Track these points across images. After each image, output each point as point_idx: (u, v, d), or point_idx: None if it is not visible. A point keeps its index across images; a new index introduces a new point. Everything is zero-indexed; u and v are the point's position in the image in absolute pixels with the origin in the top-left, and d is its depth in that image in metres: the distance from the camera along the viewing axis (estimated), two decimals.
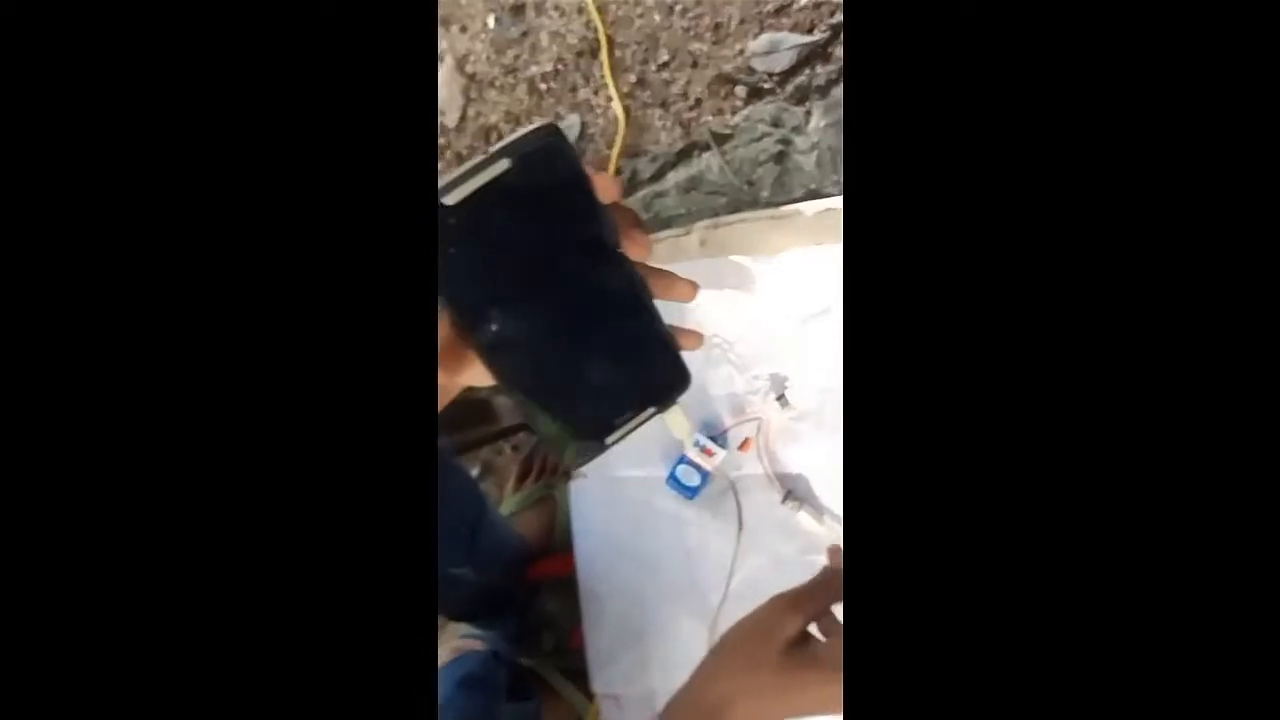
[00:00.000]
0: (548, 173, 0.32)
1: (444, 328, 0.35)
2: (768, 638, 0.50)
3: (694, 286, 0.39)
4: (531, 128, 0.32)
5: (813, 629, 0.52)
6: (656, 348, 0.39)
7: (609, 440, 0.39)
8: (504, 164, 0.31)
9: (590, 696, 0.89)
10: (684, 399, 0.41)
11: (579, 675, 0.91)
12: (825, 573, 0.53)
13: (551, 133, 0.32)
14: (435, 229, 0.31)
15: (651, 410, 0.40)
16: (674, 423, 0.42)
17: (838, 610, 0.53)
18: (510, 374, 0.36)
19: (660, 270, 0.38)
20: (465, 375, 0.39)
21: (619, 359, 0.38)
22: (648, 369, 0.39)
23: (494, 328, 0.35)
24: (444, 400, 0.43)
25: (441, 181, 0.31)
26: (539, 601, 0.97)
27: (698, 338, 0.40)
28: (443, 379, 0.40)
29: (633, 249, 0.36)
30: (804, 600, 0.51)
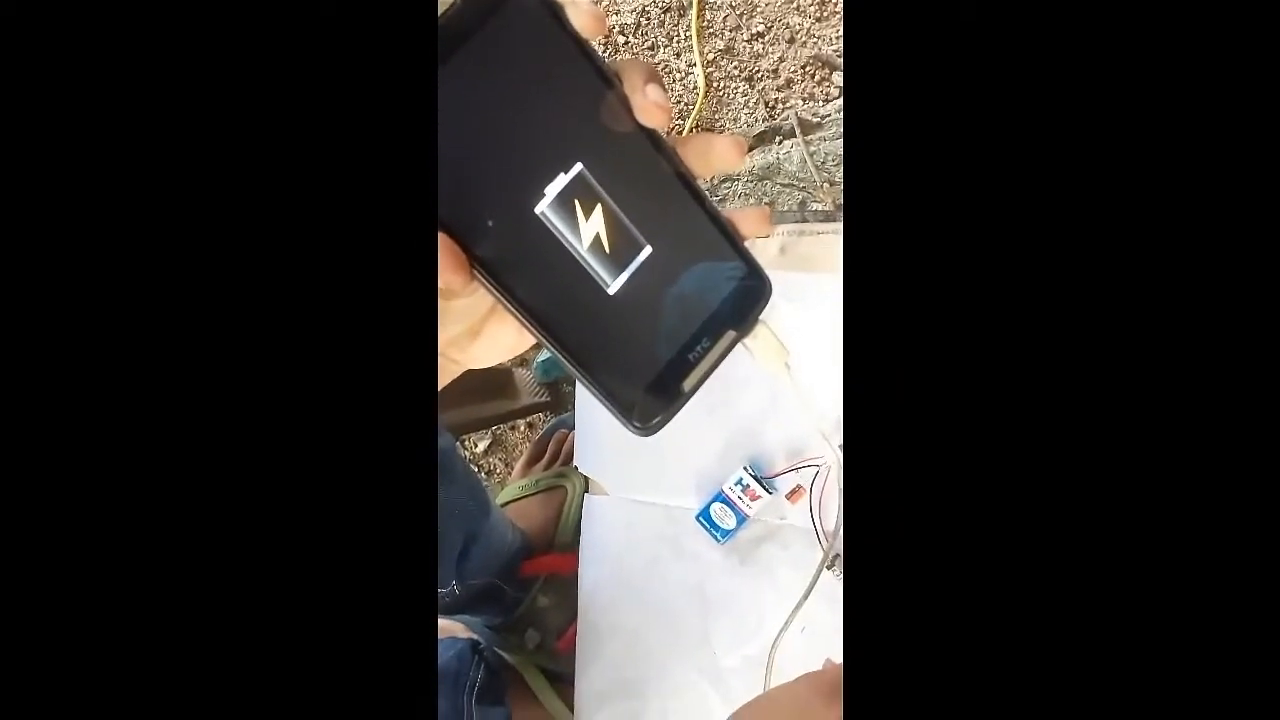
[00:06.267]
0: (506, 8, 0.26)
1: (444, 252, 0.26)
2: None
3: (740, 145, 0.28)
4: None
5: None
6: (714, 240, 0.29)
7: (687, 385, 0.29)
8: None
9: (572, 709, 0.84)
10: (735, 428, 0.31)
11: (562, 680, 0.85)
12: None
13: None
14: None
15: (732, 335, 0.30)
16: (763, 350, 0.31)
17: None
18: (526, 304, 0.28)
19: (691, 136, 0.28)
20: (478, 347, 0.30)
21: (670, 262, 0.29)
22: (711, 275, 0.30)
23: (490, 224, 0.27)
24: (449, 378, 0.33)
25: None
26: (529, 597, 0.90)
27: (762, 218, 0.30)
28: (452, 350, 0.31)
29: (648, 113, 0.26)
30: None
